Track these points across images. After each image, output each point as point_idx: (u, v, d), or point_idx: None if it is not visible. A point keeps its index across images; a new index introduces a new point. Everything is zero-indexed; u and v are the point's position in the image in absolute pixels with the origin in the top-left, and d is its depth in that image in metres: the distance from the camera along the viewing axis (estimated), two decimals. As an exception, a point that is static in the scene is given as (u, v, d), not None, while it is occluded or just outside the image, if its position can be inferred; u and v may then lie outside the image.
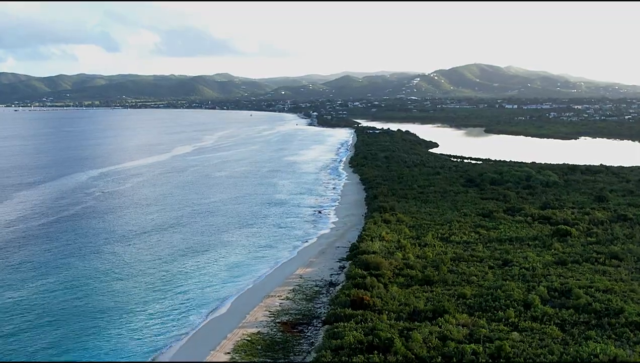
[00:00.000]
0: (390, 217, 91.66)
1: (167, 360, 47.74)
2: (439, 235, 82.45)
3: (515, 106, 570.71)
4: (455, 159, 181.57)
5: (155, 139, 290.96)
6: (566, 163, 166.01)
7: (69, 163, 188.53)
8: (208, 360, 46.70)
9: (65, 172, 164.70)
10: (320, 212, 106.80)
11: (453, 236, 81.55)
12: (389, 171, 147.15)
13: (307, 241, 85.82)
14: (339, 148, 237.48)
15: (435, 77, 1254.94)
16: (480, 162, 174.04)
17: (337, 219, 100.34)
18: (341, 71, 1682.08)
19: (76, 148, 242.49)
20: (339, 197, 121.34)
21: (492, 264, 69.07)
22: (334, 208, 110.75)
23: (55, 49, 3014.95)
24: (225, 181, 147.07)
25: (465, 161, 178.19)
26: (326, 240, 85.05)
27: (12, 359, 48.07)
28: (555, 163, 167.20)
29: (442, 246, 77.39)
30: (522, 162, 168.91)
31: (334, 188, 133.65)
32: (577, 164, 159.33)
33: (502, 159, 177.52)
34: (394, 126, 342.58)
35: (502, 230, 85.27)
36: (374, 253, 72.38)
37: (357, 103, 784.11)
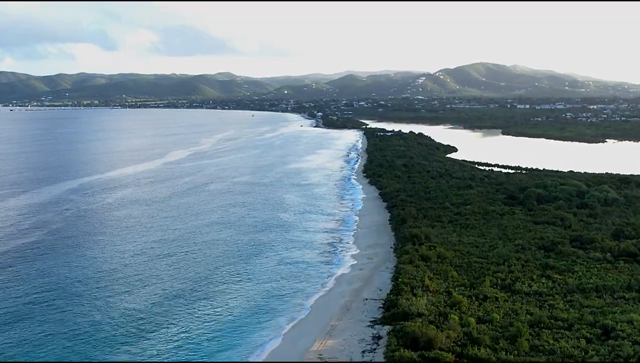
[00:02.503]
0: (429, 252, 71.49)
1: None
2: (499, 281, 62.26)
3: (527, 106, 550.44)
4: (483, 168, 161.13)
5: (149, 143, 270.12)
6: (609, 171, 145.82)
7: (49, 171, 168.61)
8: None
9: (41, 182, 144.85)
10: (335, 241, 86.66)
11: (518, 284, 61.29)
12: (412, 184, 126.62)
13: (323, 288, 65.70)
14: (349, 153, 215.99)
15: (441, 76, 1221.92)
16: (512, 171, 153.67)
17: (357, 251, 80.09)
18: (344, 70, 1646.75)
19: (62, 153, 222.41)
20: (357, 218, 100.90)
21: (587, 333, 48.86)
22: (352, 233, 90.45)
23: (52, 48, 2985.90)
24: (220, 196, 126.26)
25: (495, 169, 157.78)
26: (348, 287, 64.80)
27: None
28: (596, 171, 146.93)
29: (507, 300, 57.24)
30: (560, 171, 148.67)
31: (348, 205, 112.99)
32: (626, 174, 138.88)
33: (535, 168, 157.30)
34: (402, 127, 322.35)
35: (579, 273, 64.93)
36: (419, 315, 52.35)
37: (362, 103, 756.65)
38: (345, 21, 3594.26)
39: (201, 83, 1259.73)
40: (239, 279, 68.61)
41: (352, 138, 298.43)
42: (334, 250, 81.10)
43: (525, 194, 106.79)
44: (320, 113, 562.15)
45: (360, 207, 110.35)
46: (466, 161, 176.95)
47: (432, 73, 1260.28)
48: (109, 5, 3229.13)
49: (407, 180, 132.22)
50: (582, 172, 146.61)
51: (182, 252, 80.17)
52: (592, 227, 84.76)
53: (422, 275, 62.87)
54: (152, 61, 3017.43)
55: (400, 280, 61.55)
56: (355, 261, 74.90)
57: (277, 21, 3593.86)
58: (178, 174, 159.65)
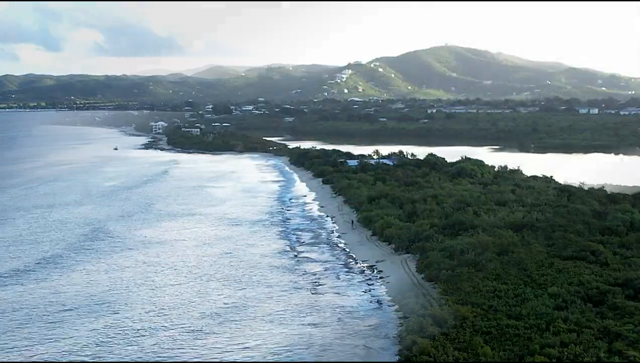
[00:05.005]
0: (440, 310, 52.07)
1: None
2: (553, 363, 43.19)
3: (595, 111, 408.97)
4: None
5: None
6: None
7: None
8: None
9: None
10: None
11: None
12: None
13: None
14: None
15: (380, 69, 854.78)
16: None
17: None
18: (206, 63, 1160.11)
19: None
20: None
21: None
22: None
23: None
24: None
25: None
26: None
27: None
28: None
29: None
30: None
31: None
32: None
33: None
34: (360, 150, 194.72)
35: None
36: None
37: (249, 107, 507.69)
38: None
39: (152, 84, 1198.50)
40: None
41: (271, 182, 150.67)
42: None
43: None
44: (161, 123, 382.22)
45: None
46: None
47: (363, 63, 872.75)
48: (46, 5, 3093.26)
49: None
50: None
51: None
52: (635, 264, 66.66)
53: (444, 357, 43.69)
54: (102, 63, 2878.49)
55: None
56: None
57: None
58: None
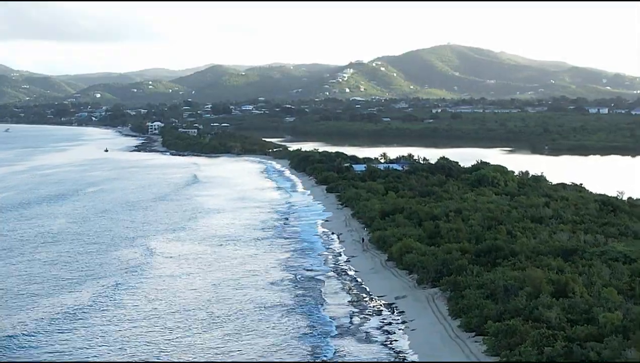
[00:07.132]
0: None
1: None
2: None
3: (605, 110, 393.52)
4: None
5: None
6: None
7: None
8: None
9: None
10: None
11: None
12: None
13: None
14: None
15: (381, 68, 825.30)
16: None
17: None
18: (206, 63, 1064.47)
19: None
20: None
21: None
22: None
23: None
24: None
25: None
26: None
27: None
28: None
29: None
30: None
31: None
32: None
33: None
34: (364, 152, 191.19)
35: None
36: None
37: (249, 107, 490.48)
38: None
39: (151, 83, 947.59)
40: None
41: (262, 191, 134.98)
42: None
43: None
44: (157, 123, 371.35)
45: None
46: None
47: (365, 62, 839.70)
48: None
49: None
50: None
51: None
52: None
53: None
54: (101, 62, 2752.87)
55: None
56: None
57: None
58: None
